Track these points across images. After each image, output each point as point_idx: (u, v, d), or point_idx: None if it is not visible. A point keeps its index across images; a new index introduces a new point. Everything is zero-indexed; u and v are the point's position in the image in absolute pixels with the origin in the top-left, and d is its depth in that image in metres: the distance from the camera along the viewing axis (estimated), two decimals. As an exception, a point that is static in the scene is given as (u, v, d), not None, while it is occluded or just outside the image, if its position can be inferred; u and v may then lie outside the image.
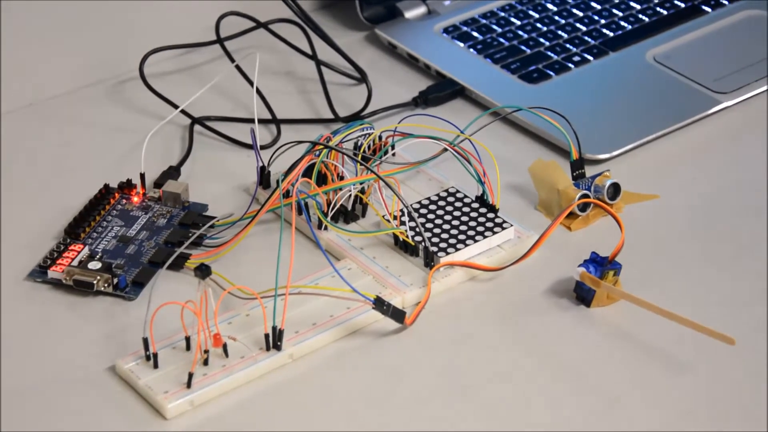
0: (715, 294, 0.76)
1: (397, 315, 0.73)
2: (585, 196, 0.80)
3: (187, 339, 0.71)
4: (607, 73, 0.92)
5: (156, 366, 0.70)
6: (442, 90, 0.91)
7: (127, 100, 0.91)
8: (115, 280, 0.75)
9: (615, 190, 0.81)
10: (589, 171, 0.83)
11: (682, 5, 0.98)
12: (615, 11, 0.98)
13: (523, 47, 0.95)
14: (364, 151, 0.82)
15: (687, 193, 0.83)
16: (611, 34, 0.95)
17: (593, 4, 0.99)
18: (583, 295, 0.75)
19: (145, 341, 0.70)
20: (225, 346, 0.71)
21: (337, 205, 0.79)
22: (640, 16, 0.97)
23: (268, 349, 0.71)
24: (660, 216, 0.81)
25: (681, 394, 0.70)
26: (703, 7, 0.98)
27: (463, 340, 0.74)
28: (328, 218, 0.78)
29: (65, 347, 0.72)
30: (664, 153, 0.86)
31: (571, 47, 0.95)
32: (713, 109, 0.88)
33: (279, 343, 0.71)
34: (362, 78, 0.92)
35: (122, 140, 0.86)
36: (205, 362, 0.70)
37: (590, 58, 0.93)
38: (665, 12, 0.97)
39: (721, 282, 0.76)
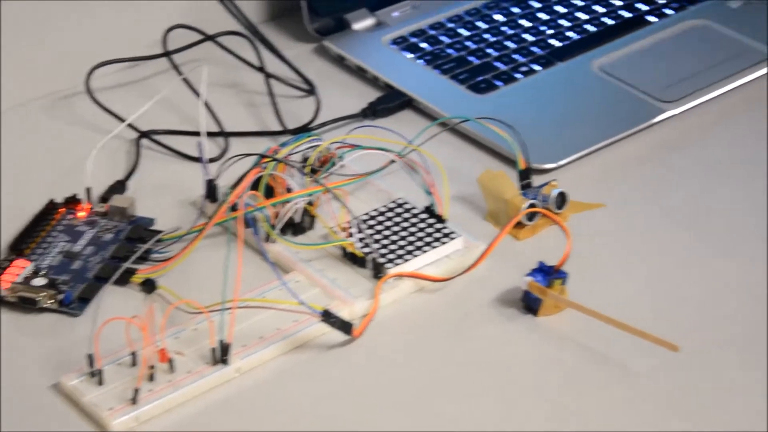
0: (661, 301, 0.75)
1: (345, 327, 0.72)
2: (532, 205, 0.79)
3: (133, 354, 0.70)
4: (554, 83, 0.92)
5: (101, 382, 0.68)
6: (390, 101, 0.90)
7: (73, 114, 0.89)
8: (60, 297, 0.73)
9: (562, 199, 0.81)
10: (537, 180, 0.82)
11: (628, 15, 0.97)
12: (562, 22, 0.97)
13: (471, 58, 0.94)
14: (312, 164, 0.80)
15: (633, 202, 0.82)
16: (558, 45, 0.95)
17: (540, 15, 0.98)
18: (530, 305, 0.74)
19: (90, 357, 0.69)
20: (171, 361, 0.70)
21: (285, 218, 0.78)
22: (587, 26, 0.97)
23: (215, 363, 0.70)
24: (606, 224, 0.81)
25: (627, 400, 0.69)
26: (648, 18, 0.97)
27: (411, 351, 0.72)
28: (276, 231, 0.77)
29: (8, 365, 0.71)
30: (610, 162, 0.85)
31: (518, 58, 0.94)
32: (658, 118, 0.88)
33: (226, 357, 0.70)
34: (311, 90, 0.91)
35: (68, 155, 0.85)
36: (151, 378, 0.69)
37: (537, 68, 0.93)
38: (611, 22, 0.97)
39: (666, 289, 0.76)
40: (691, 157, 0.85)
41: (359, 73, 0.93)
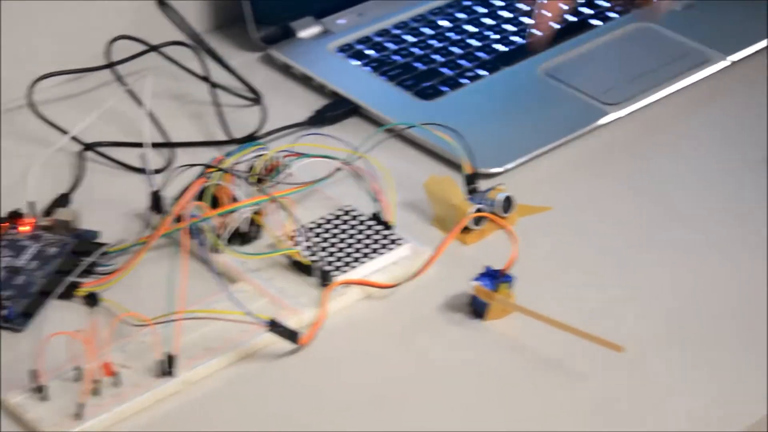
0: (607, 303, 0.75)
1: (292, 336, 0.71)
2: (478, 210, 0.79)
3: (78, 369, 0.69)
4: (500, 87, 0.91)
5: (45, 398, 0.67)
6: (337, 109, 0.90)
7: (16, 127, 0.88)
8: (4, 312, 0.72)
9: (508, 203, 0.80)
10: (483, 185, 0.82)
11: (573, 20, 0.97)
12: (506, 26, 0.97)
13: (417, 64, 0.93)
14: (258, 173, 0.80)
15: (579, 205, 0.82)
16: (504, 49, 0.95)
17: (485, 20, 0.98)
18: (477, 309, 0.74)
19: (33, 373, 0.67)
20: (116, 375, 0.68)
21: (231, 228, 0.77)
22: (532, 31, 0.97)
23: (161, 375, 0.69)
24: (553, 227, 0.81)
25: (575, 402, 0.69)
26: (593, 21, 0.97)
27: (360, 359, 0.72)
28: (222, 241, 0.77)
29: (-49, 383, 0.70)
30: (557, 165, 0.85)
31: (464, 63, 0.94)
32: (602, 121, 0.88)
33: (172, 370, 0.69)
34: (257, 99, 0.90)
35: (11, 169, 0.83)
36: (96, 392, 0.68)
37: (483, 73, 0.92)
38: (556, 26, 0.98)
39: (612, 291, 0.76)
40: (636, 159, 0.85)
41: (305, 81, 0.93)
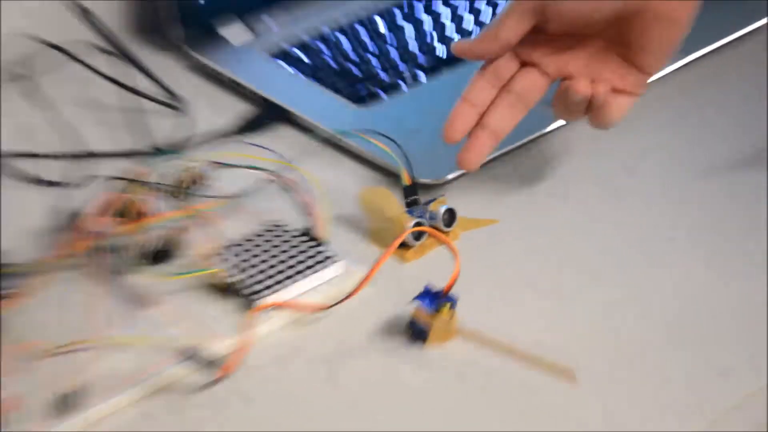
0: (558, 323, 0.70)
1: (213, 365, 0.66)
2: (418, 224, 0.74)
3: (-30, 406, 0.63)
4: (441, 92, 0.86)
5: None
6: (266, 116, 0.85)
7: None
8: None
9: (450, 216, 0.75)
10: (424, 197, 0.77)
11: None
12: (447, 26, 0.92)
13: (352, 68, 0.88)
14: (178, 185, 0.75)
15: (525, 217, 0.77)
16: (444, 52, 0.90)
17: (423, 17, 0.93)
18: (417, 333, 0.68)
19: None
20: (9, 413, 0.62)
21: (149, 246, 0.72)
22: (473, 30, 0.93)
23: (62, 413, 0.63)
24: (499, 242, 0.75)
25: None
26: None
27: (287, 388, 0.66)
28: (138, 261, 0.72)
29: None
30: (502, 175, 0.80)
31: (402, 67, 0.89)
32: (549, 128, 0.83)
33: (74, 406, 0.63)
34: (179, 106, 0.85)
35: None
36: (-9, 432, 0.62)
37: (423, 77, 0.87)
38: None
39: (560, 309, 0.71)
40: (584, 168, 0.81)
41: (233, 86, 0.87)
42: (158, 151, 0.82)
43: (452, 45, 0.76)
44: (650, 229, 0.76)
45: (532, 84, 0.76)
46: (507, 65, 0.76)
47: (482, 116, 0.76)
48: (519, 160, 0.81)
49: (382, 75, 0.88)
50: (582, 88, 0.75)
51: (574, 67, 0.76)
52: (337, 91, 0.86)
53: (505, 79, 0.76)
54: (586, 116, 0.76)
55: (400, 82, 0.87)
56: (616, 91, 0.75)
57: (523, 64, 0.76)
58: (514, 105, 0.76)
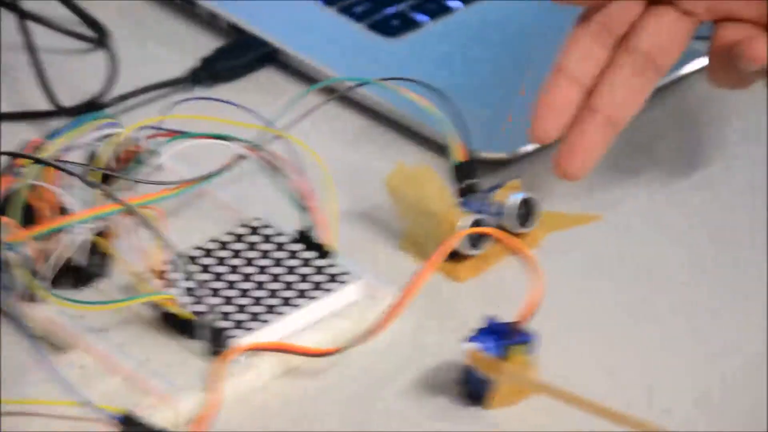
0: (680, 369, 0.77)
1: (162, 440, 0.74)
2: (478, 222, 0.81)
3: None
4: (517, 14, 0.93)
5: None
6: (239, 55, 0.92)
7: None
8: None
9: (528, 210, 0.82)
10: (486, 180, 0.84)
11: None
12: None
13: (375, -23, 0.97)
14: (104, 165, 0.81)
15: (645, 210, 0.85)
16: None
17: None
18: (475, 389, 0.75)
19: None
20: None
21: (59, 260, 0.78)
22: None
23: None
24: (603, 249, 0.83)
25: None
26: None
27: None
28: (44, 282, 0.77)
29: None
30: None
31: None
32: (687, 68, 0.90)
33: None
34: (100, 39, 0.92)
35: None
36: None
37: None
38: None
39: (691, 348, 0.79)
40: (747, 130, 0.89)
41: (186, 8, 0.95)
42: (68, 112, 0.89)
43: None
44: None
45: (668, 34, 0.81)
46: (624, 7, 0.81)
47: (591, 93, 0.82)
48: (639, 119, 0.86)
49: (424, -13, 0.96)
50: (761, 51, 0.79)
51: (733, 1, 0.80)
52: (350, 14, 0.94)
53: (623, 31, 0.81)
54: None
55: (451, 1, 0.94)
56: None
57: (651, 3, 0.82)
58: (640, 72, 0.81)
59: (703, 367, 0.78)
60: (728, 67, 0.79)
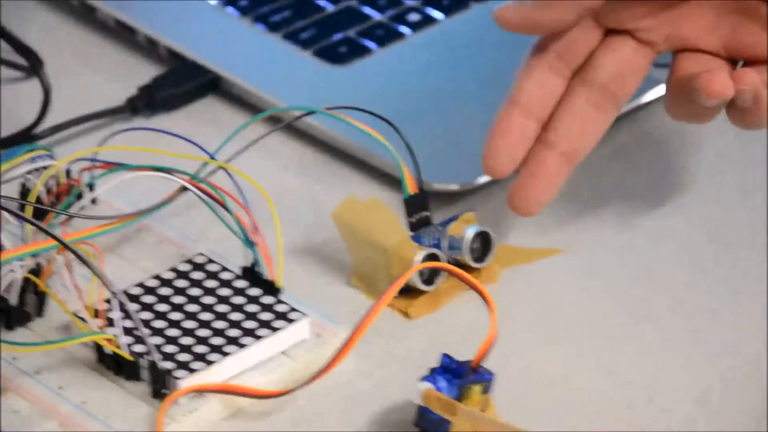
0: (650, 404, 0.77)
1: (102, 488, 0.72)
2: (432, 256, 0.80)
3: None
4: (464, 41, 0.93)
5: None
6: (179, 83, 0.91)
7: None
8: None
9: (484, 243, 0.81)
10: (439, 213, 0.83)
11: None
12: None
13: (322, 4, 0.95)
14: (37, 199, 0.81)
15: (605, 243, 0.84)
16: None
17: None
18: (431, 430, 0.74)
19: None
20: None
21: None
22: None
23: None
24: (563, 284, 0.82)
25: None
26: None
27: None
28: None
29: None
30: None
31: (404, 0, 0.96)
32: (647, 97, 0.89)
33: None
34: (33, 67, 0.91)
35: None
36: None
37: (438, 16, 0.94)
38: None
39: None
40: (700, 163, 0.88)
41: (124, 35, 0.94)
42: (5, 143, 0.87)
43: (494, 11, 0.80)
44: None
45: (626, 65, 0.80)
46: (582, 37, 0.80)
47: (545, 127, 0.81)
48: (597, 149, 0.85)
49: (372, 13, 0.94)
50: (720, 86, 0.78)
51: (693, 31, 0.80)
52: (295, 40, 0.93)
53: (579, 62, 0.81)
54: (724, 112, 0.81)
55: (401, 27, 0.94)
56: None
57: (608, 33, 0.81)
58: (597, 104, 0.81)
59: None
60: (687, 100, 0.78)
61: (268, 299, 0.78)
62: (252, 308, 0.78)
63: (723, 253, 0.84)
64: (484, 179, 0.85)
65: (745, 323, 0.80)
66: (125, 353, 0.75)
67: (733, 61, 0.80)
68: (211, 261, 0.80)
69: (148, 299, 0.78)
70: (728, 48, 0.79)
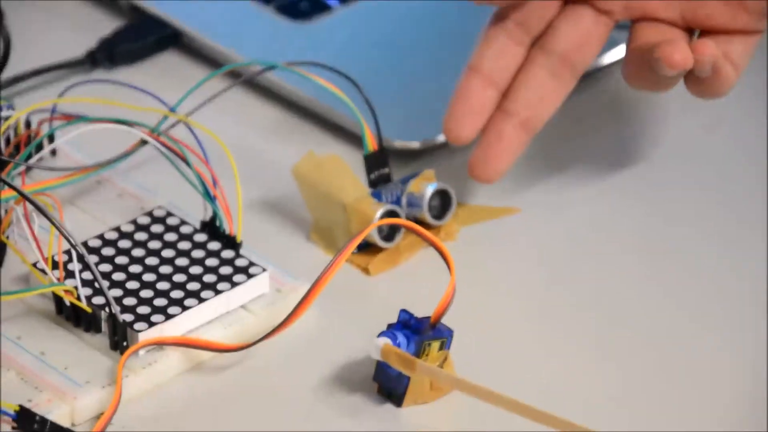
0: (596, 373, 0.77)
1: (58, 437, 0.73)
2: (391, 213, 0.81)
3: None
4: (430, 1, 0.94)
5: None
6: (140, 36, 0.92)
7: None
8: None
9: (443, 201, 0.82)
10: (399, 171, 0.84)
11: None
12: None
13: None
14: None
15: (561, 202, 0.85)
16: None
17: None
18: (389, 386, 0.75)
19: None
20: None
21: None
22: None
23: None
24: (520, 242, 0.83)
25: None
26: None
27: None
28: None
29: None
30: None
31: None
32: (606, 59, 0.90)
33: None
34: None
35: None
36: None
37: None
38: None
39: (614, 343, 0.79)
40: (657, 125, 0.89)
41: (86, -11, 0.95)
42: None
43: None
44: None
45: (584, 35, 0.82)
46: (541, 6, 0.82)
47: (505, 95, 0.82)
48: (557, 110, 0.86)
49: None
50: (681, 56, 0.79)
51: (652, 1, 0.81)
52: (261, -4, 0.94)
53: (539, 31, 0.82)
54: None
55: None
56: (727, 33, 0.81)
57: (567, 2, 0.82)
58: (556, 73, 0.82)
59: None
60: (646, 70, 0.79)
61: (227, 253, 0.79)
62: (212, 262, 0.79)
63: (688, 211, 0.85)
64: (444, 138, 0.85)
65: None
66: (84, 305, 0.76)
67: (689, 31, 0.81)
68: (170, 214, 0.80)
69: (108, 251, 0.79)
70: (686, 18, 0.80)
